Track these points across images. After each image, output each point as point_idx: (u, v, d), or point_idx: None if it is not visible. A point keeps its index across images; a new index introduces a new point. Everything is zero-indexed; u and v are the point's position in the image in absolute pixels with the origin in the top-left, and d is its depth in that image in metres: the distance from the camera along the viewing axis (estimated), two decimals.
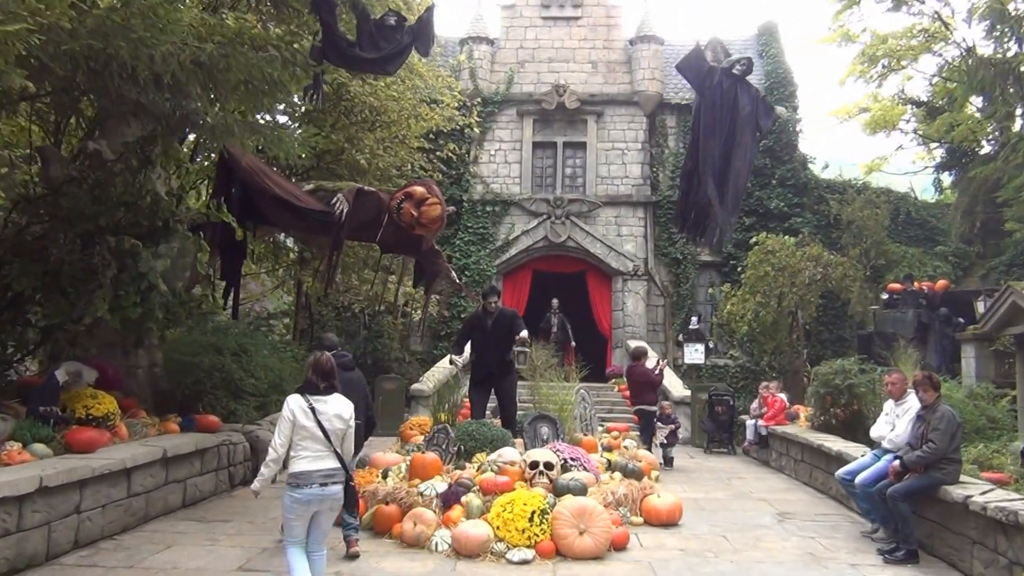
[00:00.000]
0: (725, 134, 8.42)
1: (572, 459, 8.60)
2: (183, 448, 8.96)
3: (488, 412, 10.84)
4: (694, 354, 17.97)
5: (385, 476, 8.65)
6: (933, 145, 25.49)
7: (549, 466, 8.09)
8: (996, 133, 22.77)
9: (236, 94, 7.88)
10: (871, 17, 32.47)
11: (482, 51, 22.24)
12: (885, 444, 8.16)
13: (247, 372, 11.54)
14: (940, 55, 25.57)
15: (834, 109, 32.23)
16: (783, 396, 13.88)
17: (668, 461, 13.17)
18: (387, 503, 7.93)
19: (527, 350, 9.97)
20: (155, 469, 8.42)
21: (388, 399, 16.99)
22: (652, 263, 21.48)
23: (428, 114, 13.63)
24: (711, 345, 19.12)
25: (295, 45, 7.68)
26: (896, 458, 7.57)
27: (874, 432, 8.50)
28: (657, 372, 13.42)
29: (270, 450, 5.28)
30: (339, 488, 5.31)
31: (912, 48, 25.53)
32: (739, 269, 18.70)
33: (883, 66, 26.08)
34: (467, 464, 8.78)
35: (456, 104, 15.34)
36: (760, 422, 13.84)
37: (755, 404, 14.58)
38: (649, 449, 12.59)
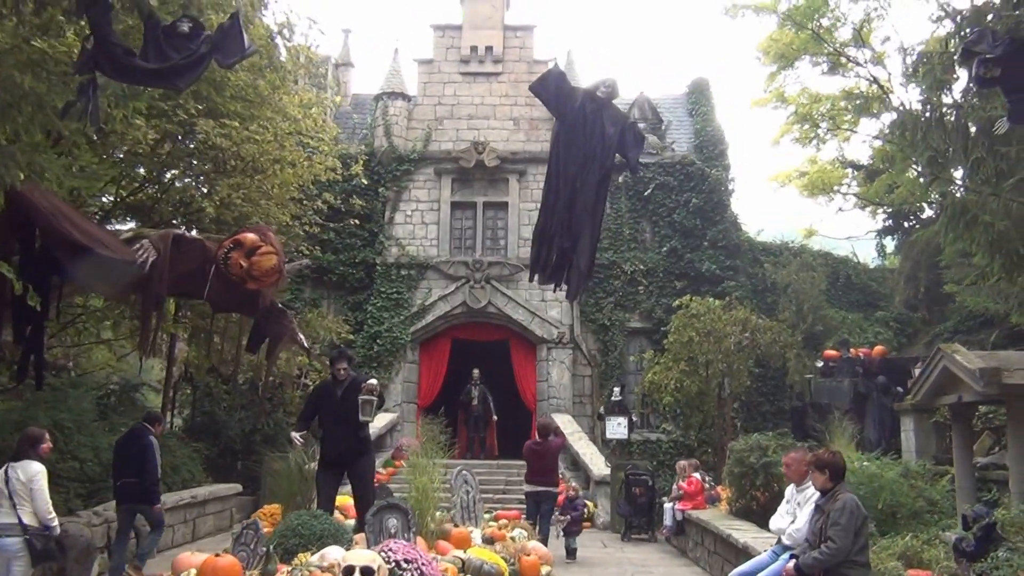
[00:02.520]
0: (588, 165, 7.09)
1: (406, 561, 6.93)
2: None
3: None
4: (616, 428, 16.43)
5: None
6: (874, 208, 24.68)
7: (368, 572, 6.45)
8: (938, 196, 22.03)
9: None
10: (807, 79, 32.21)
11: (398, 107, 21.10)
12: (784, 540, 6.68)
13: (64, 453, 9.82)
14: (878, 117, 25.08)
15: (771, 174, 31.73)
16: (698, 476, 12.37)
17: (570, 552, 11.49)
18: None
19: (374, 399, 8.43)
20: None
21: (276, 480, 15.14)
22: (578, 330, 20.06)
23: (301, 160, 12.20)
24: (635, 419, 17.59)
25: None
26: (792, 557, 6.07)
27: (773, 525, 7.01)
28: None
29: None
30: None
31: (849, 109, 25.01)
32: (667, 338, 17.35)
33: (823, 128, 25.52)
34: (281, 567, 7.11)
35: (336, 154, 13.93)
36: (676, 505, 12.29)
37: (674, 487, 13.03)
38: (545, 541, 10.94)
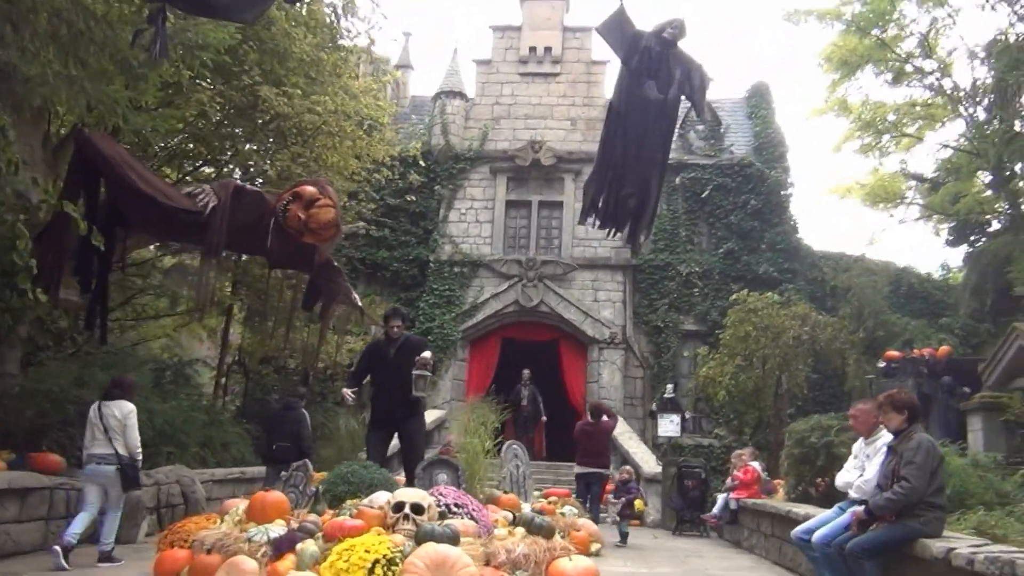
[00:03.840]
0: (653, 109, 6.95)
1: (456, 505, 6.77)
2: None
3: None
4: (669, 426, 16.04)
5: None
6: (938, 218, 23.99)
7: (418, 509, 6.29)
8: (1006, 208, 21.37)
9: (55, 42, 6.53)
10: (870, 88, 31.36)
11: (455, 106, 21.22)
12: (852, 493, 6.35)
13: None
14: (944, 125, 24.50)
15: (830, 187, 31.17)
16: (755, 465, 11.98)
17: (623, 537, 11.20)
18: (209, 552, 6.16)
19: (428, 374, 8.26)
20: None
21: (326, 445, 15.05)
22: (631, 331, 19.77)
23: (360, 135, 12.25)
24: (688, 416, 17.18)
25: None
26: (861, 503, 5.77)
27: (839, 480, 6.69)
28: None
29: None
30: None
31: (914, 119, 24.50)
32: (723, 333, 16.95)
33: (887, 139, 25.01)
34: (329, 511, 6.99)
35: (394, 130, 14.01)
36: (731, 495, 11.91)
37: (729, 479, 12.64)
38: (595, 521, 10.69)
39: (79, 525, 7.24)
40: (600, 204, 6.96)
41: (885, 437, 6.14)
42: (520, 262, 20.00)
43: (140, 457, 7.74)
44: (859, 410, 6.56)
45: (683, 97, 7.04)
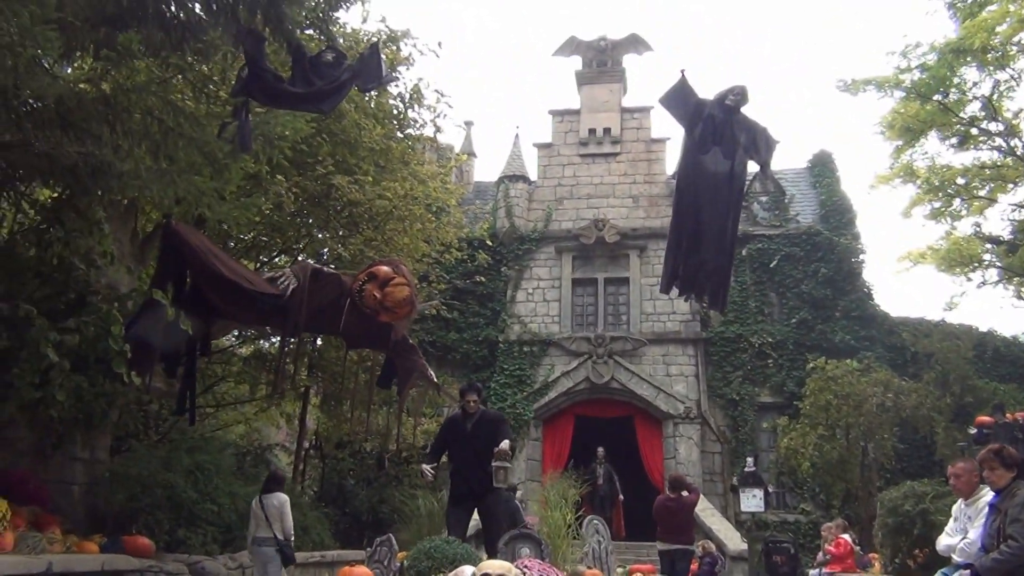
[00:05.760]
0: (720, 176, 7.02)
1: None
2: (79, 565, 7.37)
3: None
4: (751, 500, 15.57)
5: None
6: (1018, 280, 23.24)
7: None
8: None
9: (147, 138, 6.97)
10: (935, 153, 30.72)
11: (519, 189, 21.65)
12: (956, 557, 6.07)
13: (204, 495, 10.03)
14: (1017, 185, 23.94)
15: (903, 252, 30.51)
16: (847, 537, 11.51)
17: None
18: None
19: (508, 464, 8.23)
20: None
21: (406, 524, 14.89)
22: (705, 405, 19.42)
23: (429, 219, 12.60)
24: (770, 490, 16.65)
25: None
26: (966, 566, 5.50)
27: (941, 544, 6.39)
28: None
29: None
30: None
31: (984, 180, 24.03)
32: (802, 402, 16.54)
33: (958, 201, 24.51)
34: None
35: (461, 213, 14.36)
36: (824, 570, 11.44)
37: (821, 554, 12.15)
38: None
39: None
40: (680, 272, 7.00)
41: (986, 497, 5.89)
42: (589, 339, 19.98)
43: (292, 537, 9.01)
44: (961, 468, 6.30)
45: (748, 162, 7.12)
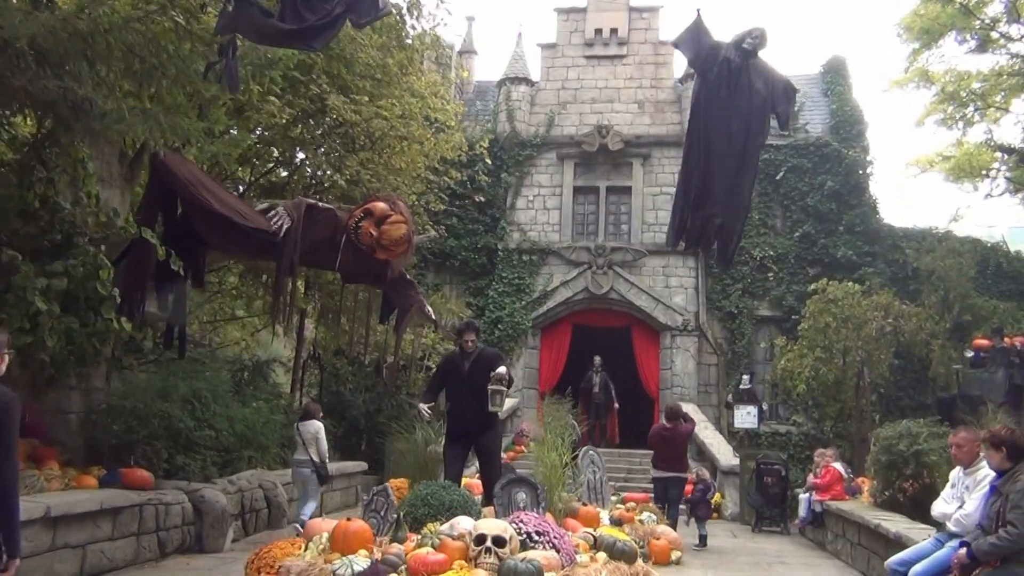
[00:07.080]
0: (734, 125, 6.67)
1: (537, 533, 6.72)
2: (77, 506, 7.42)
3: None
4: (745, 417, 15.72)
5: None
6: None
7: (500, 542, 6.25)
8: None
9: (130, 76, 6.58)
10: (952, 57, 29.50)
11: (520, 92, 20.97)
12: (951, 526, 6.10)
13: (201, 421, 10.06)
14: None
15: (911, 158, 30.00)
16: (837, 465, 11.66)
17: (702, 540, 11.05)
18: None
19: (504, 388, 8.16)
20: (33, 531, 6.92)
21: (402, 457, 15.21)
22: (704, 317, 19.41)
23: (428, 137, 12.17)
24: (765, 407, 16.82)
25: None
26: (963, 544, 5.51)
27: (936, 510, 6.41)
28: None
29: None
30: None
31: (1001, 88, 23.30)
32: (801, 324, 16.50)
33: (971, 109, 23.85)
34: (411, 536, 7.00)
35: (461, 131, 13.90)
36: (814, 496, 11.64)
37: (811, 476, 12.34)
38: (674, 527, 10.55)
39: (308, 511, 10.07)
40: (684, 227, 6.74)
41: (986, 470, 5.86)
42: (589, 249, 19.78)
43: (327, 460, 10.45)
44: (963, 438, 6.25)
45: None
